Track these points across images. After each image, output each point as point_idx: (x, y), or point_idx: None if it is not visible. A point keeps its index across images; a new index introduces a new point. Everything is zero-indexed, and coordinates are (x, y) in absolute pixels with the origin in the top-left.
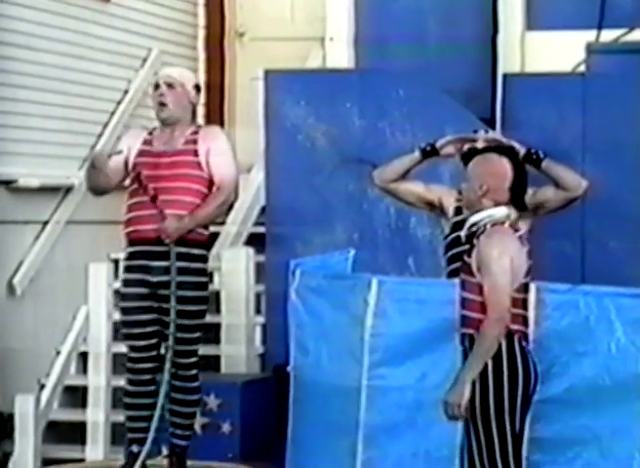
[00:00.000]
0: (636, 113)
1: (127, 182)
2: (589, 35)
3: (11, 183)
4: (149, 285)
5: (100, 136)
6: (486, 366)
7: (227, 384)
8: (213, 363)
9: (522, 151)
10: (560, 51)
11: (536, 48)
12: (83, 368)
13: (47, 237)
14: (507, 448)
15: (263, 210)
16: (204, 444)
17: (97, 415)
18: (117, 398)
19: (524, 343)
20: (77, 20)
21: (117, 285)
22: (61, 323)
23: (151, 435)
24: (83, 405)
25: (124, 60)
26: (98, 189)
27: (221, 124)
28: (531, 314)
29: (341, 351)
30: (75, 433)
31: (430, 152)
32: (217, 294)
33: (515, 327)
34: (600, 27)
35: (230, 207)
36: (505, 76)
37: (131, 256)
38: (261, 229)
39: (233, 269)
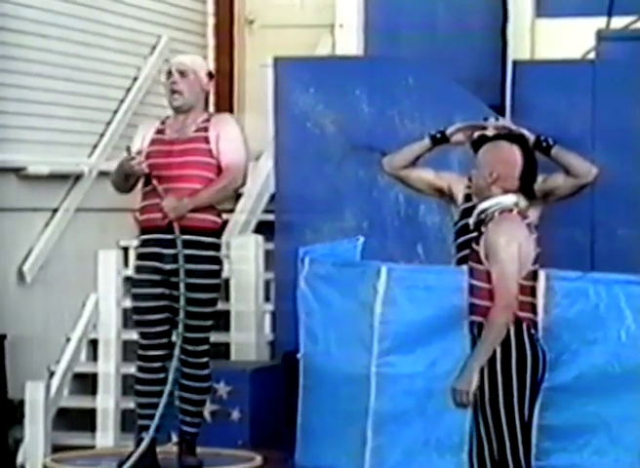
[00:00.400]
0: None
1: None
2: (599, 22)
3: (20, 171)
4: (162, 272)
5: (109, 123)
6: (494, 353)
7: (237, 372)
8: (222, 350)
9: (532, 138)
10: (570, 38)
11: (545, 35)
12: (93, 355)
13: (56, 224)
14: (516, 435)
15: (273, 197)
16: (214, 431)
17: (107, 402)
18: (127, 385)
19: (532, 331)
20: (86, 8)
21: (127, 272)
22: (71, 310)
23: (156, 422)
24: (93, 392)
25: (133, 48)
26: (126, 190)
27: (231, 111)
28: (540, 302)
29: (351, 338)
30: (85, 420)
31: (440, 139)
32: (226, 282)
33: (524, 314)
34: (610, 14)
35: (239, 195)
36: (515, 63)
37: (144, 244)
38: (271, 217)
39: (243, 257)
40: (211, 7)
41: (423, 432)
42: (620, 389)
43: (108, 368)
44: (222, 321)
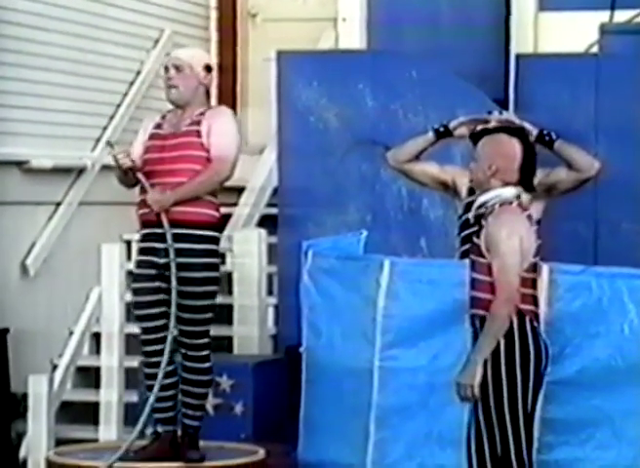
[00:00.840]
0: None
1: None
2: (603, 16)
3: (23, 164)
4: (157, 266)
5: (112, 117)
6: (498, 345)
7: (240, 365)
8: (225, 344)
9: (534, 132)
10: (573, 32)
11: (549, 29)
12: (96, 348)
13: (60, 218)
14: (519, 428)
15: (276, 191)
16: (216, 424)
17: (109, 396)
18: (130, 378)
19: (535, 323)
20: (90, 1)
21: (130, 265)
22: (74, 303)
23: (144, 416)
24: (96, 385)
25: (136, 41)
26: (129, 185)
27: (234, 105)
28: (543, 295)
29: (354, 332)
30: (88, 413)
31: (444, 133)
32: (229, 276)
33: (525, 307)
34: (613, 8)
35: (241, 188)
36: (518, 57)
37: (143, 238)
38: (274, 211)
39: (246, 251)
40: (214, 0)
41: (426, 425)
42: (622, 383)
43: (111, 361)
44: (225, 314)
